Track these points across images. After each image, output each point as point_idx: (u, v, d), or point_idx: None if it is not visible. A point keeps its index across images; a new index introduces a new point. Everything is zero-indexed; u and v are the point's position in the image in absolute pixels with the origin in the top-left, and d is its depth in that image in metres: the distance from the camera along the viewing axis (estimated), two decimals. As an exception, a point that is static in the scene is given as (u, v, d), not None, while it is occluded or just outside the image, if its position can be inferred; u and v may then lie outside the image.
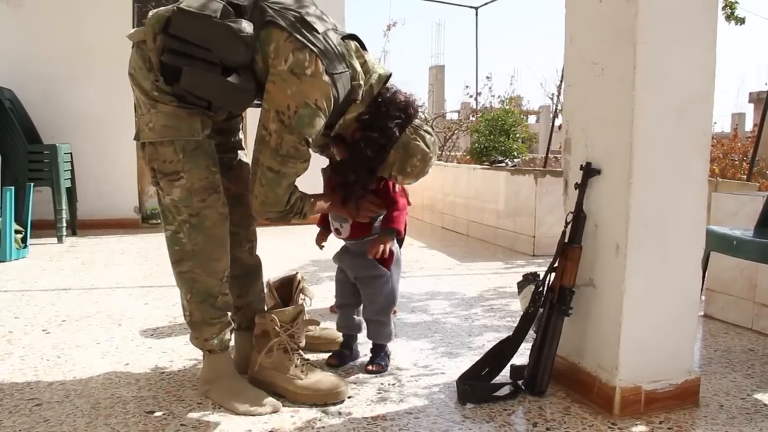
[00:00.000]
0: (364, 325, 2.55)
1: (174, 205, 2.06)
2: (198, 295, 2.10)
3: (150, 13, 2.01)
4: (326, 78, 1.95)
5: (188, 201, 2.04)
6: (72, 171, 5.71)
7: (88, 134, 6.06)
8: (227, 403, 2.10)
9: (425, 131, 2.22)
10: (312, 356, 2.49)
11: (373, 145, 2.14)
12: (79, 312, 3.25)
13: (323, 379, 2.20)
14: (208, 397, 2.16)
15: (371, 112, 2.15)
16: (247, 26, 1.94)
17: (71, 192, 5.70)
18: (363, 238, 2.40)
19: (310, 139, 2.01)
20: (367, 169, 2.20)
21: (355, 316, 2.54)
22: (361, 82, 2.09)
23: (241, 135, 2.39)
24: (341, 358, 2.53)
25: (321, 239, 2.56)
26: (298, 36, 1.95)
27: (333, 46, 1.99)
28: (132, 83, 2.06)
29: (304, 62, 1.93)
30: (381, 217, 2.39)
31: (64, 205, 5.39)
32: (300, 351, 2.26)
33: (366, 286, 2.46)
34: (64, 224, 5.39)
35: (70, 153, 5.67)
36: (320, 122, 2.00)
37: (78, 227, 5.83)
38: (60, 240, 5.33)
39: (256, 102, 2.10)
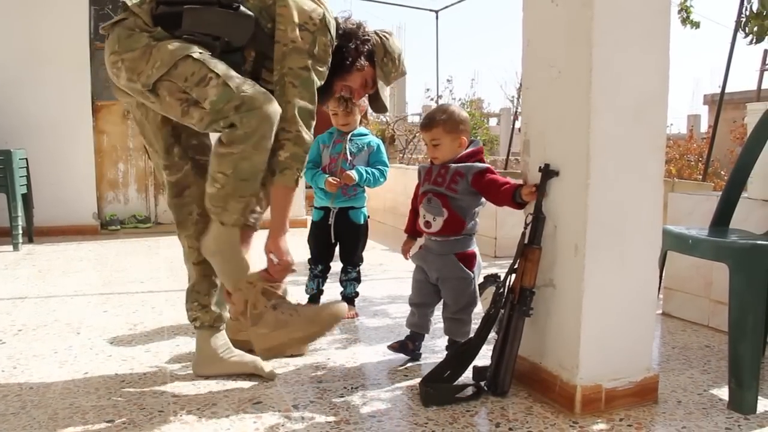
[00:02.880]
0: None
1: (216, 109, 2.01)
2: (241, 172, 2.05)
3: None
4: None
5: (229, 93, 2.00)
6: (28, 177, 5.58)
7: (44, 139, 5.92)
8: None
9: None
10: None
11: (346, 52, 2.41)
12: (36, 321, 3.19)
13: (318, 310, 2.26)
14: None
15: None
16: None
17: (27, 198, 5.58)
18: (450, 236, 2.52)
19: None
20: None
21: (428, 316, 2.62)
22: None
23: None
24: (403, 348, 2.61)
25: (408, 247, 2.72)
26: None
27: None
28: (117, 60, 2.08)
29: None
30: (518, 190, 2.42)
31: (20, 212, 5.27)
32: (284, 298, 2.24)
33: (450, 287, 2.52)
34: (20, 231, 5.27)
35: (26, 159, 5.55)
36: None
37: (35, 234, 5.71)
38: (16, 248, 5.21)
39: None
